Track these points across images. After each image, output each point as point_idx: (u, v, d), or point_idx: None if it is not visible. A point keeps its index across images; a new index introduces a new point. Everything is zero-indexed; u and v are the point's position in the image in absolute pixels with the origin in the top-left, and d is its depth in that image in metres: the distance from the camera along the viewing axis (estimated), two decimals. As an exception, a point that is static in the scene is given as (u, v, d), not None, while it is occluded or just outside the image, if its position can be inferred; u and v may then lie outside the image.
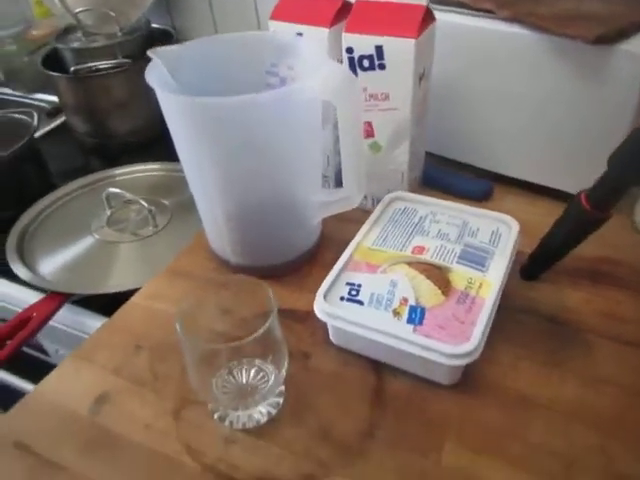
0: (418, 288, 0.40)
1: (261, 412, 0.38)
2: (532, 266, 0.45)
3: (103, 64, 0.78)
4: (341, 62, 0.47)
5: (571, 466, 0.34)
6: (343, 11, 0.47)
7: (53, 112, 0.95)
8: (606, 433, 0.35)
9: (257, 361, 0.39)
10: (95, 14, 0.80)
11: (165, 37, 0.87)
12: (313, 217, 0.48)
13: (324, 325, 0.42)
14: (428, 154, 0.57)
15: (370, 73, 0.46)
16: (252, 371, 0.39)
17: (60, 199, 0.72)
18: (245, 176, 0.43)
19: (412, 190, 0.52)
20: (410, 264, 0.42)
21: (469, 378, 0.39)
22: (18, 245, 0.64)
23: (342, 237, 0.46)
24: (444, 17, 0.48)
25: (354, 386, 0.40)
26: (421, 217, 0.46)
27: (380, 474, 0.34)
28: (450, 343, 0.35)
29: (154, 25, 0.88)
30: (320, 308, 0.39)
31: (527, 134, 0.52)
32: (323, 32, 0.46)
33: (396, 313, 0.38)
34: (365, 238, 0.45)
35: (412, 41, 0.43)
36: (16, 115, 0.77)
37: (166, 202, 0.70)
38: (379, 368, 0.40)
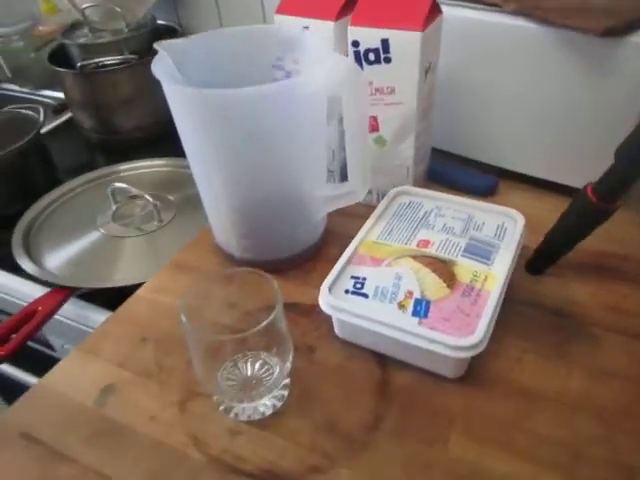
0: (423, 281, 0.39)
1: (266, 404, 0.38)
2: (537, 260, 0.45)
3: (109, 60, 0.79)
4: (347, 56, 0.46)
5: (577, 457, 0.34)
6: (349, 4, 0.47)
7: (59, 108, 0.96)
8: (612, 425, 0.35)
9: (262, 354, 0.39)
10: (101, 10, 0.80)
11: (171, 33, 0.87)
12: (318, 211, 0.48)
13: (329, 319, 0.42)
14: (433, 149, 0.57)
15: (376, 67, 0.46)
16: (257, 364, 0.39)
17: (66, 194, 0.72)
18: (250, 170, 0.43)
19: (417, 185, 0.52)
20: (415, 258, 0.42)
21: (474, 371, 0.39)
22: (24, 239, 0.65)
23: (346, 232, 0.46)
24: (451, 10, 0.48)
25: (359, 379, 0.40)
26: (426, 211, 0.46)
27: (386, 466, 0.34)
28: (455, 335, 0.35)
29: (160, 21, 0.89)
30: (325, 301, 0.39)
31: (533, 128, 0.52)
32: (329, 26, 0.46)
33: (401, 306, 0.38)
34: (370, 232, 0.45)
35: (418, 34, 0.43)
36: (23, 111, 0.77)
37: (171, 197, 0.70)
38: (384, 361, 0.40)
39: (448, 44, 0.48)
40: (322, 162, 0.47)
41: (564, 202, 0.43)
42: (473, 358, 0.37)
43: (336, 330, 0.42)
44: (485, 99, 0.53)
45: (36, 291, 0.59)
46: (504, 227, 0.44)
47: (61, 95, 0.94)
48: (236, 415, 0.38)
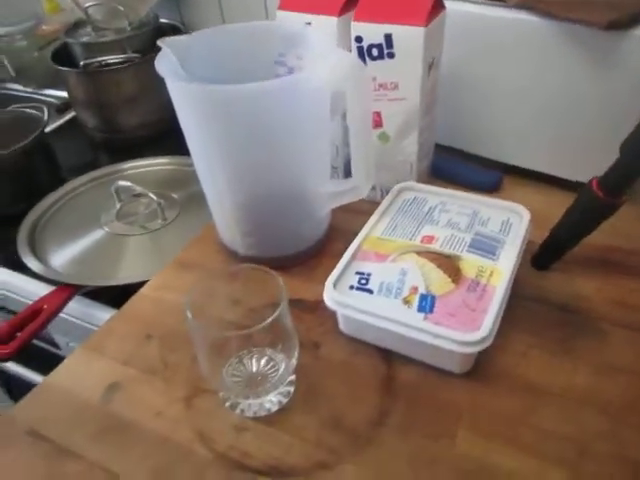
0: (428, 276, 0.39)
1: (272, 401, 0.38)
2: (543, 255, 0.45)
3: (112, 58, 0.79)
4: (350, 52, 0.46)
5: (583, 453, 0.34)
6: (352, 0, 0.46)
7: (62, 108, 0.96)
8: (618, 420, 0.35)
9: (268, 350, 0.39)
10: (104, 9, 0.80)
11: (173, 32, 0.87)
12: (322, 208, 0.48)
13: (333, 315, 0.42)
14: (436, 145, 0.57)
15: (379, 62, 0.46)
16: (262, 360, 0.39)
17: (70, 192, 0.73)
18: (254, 166, 0.43)
19: (421, 181, 0.51)
20: (419, 253, 0.42)
21: (480, 366, 0.39)
22: (29, 238, 0.65)
23: (350, 228, 0.46)
24: (453, 5, 0.48)
25: (364, 375, 0.40)
26: (430, 207, 0.46)
27: (391, 461, 0.34)
28: (461, 330, 0.35)
29: (162, 20, 0.89)
30: (330, 297, 0.39)
31: (537, 123, 0.52)
32: (332, 21, 0.46)
33: (406, 301, 0.38)
34: (374, 228, 0.45)
35: (422, 29, 0.42)
36: (27, 110, 0.78)
37: (175, 196, 0.70)
38: (389, 357, 0.40)
39: (450, 39, 0.48)
40: (326, 158, 0.47)
41: (569, 197, 0.43)
42: (479, 353, 0.37)
43: (341, 326, 0.42)
44: (488, 94, 0.53)
45: (41, 289, 0.59)
46: (509, 222, 0.44)
47: (64, 94, 0.95)
48: (242, 411, 0.38)
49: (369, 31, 0.44)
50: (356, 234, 0.44)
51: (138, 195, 0.68)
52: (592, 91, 0.47)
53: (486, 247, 0.41)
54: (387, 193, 0.48)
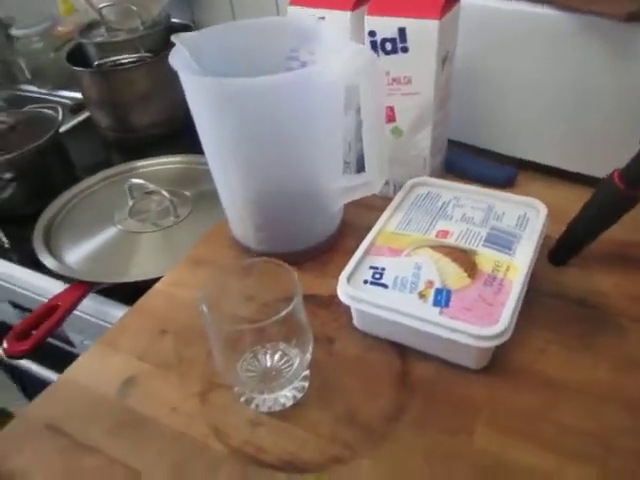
0: (444, 271, 0.39)
1: (286, 396, 0.38)
2: (560, 250, 0.44)
3: (125, 58, 0.79)
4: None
5: (607, 448, 0.33)
6: (365, -6, 0.46)
7: (76, 108, 0.97)
8: (641, 415, 0.35)
9: (282, 345, 0.39)
10: (118, 9, 0.81)
11: (185, 31, 0.87)
12: (334, 203, 0.48)
13: (347, 310, 0.42)
14: (449, 141, 0.56)
15: (392, 57, 0.45)
16: (276, 355, 0.39)
17: (84, 191, 0.73)
18: (266, 161, 0.43)
19: (434, 176, 0.51)
20: (434, 248, 0.41)
21: (497, 362, 0.38)
22: (45, 236, 0.66)
23: (363, 224, 0.45)
24: (468, -2, 0.48)
25: (379, 370, 0.39)
26: (444, 202, 0.46)
27: (407, 456, 0.34)
28: (478, 325, 0.35)
29: (174, 19, 0.89)
30: (344, 291, 0.39)
31: (552, 117, 0.51)
32: (345, 16, 0.46)
33: (421, 296, 0.38)
34: (388, 223, 0.44)
35: (436, 22, 0.42)
36: (42, 110, 0.78)
37: (187, 193, 0.71)
38: (404, 353, 0.40)
39: (465, 32, 0.47)
40: (338, 153, 0.47)
41: (584, 192, 0.42)
42: (496, 349, 0.37)
43: (355, 321, 0.42)
44: (503, 88, 0.52)
45: (56, 287, 0.59)
46: (526, 217, 0.43)
47: (78, 95, 0.96)
48: (257, 406, 0.38)
49: (383, 25, 0.44)
50: (369, 229, 0.44)
51: (150, 193, 0.69)
52: (610, 84, 0.46)
53: (502, 242, 0.41)
54: (400, 188, 0.48)
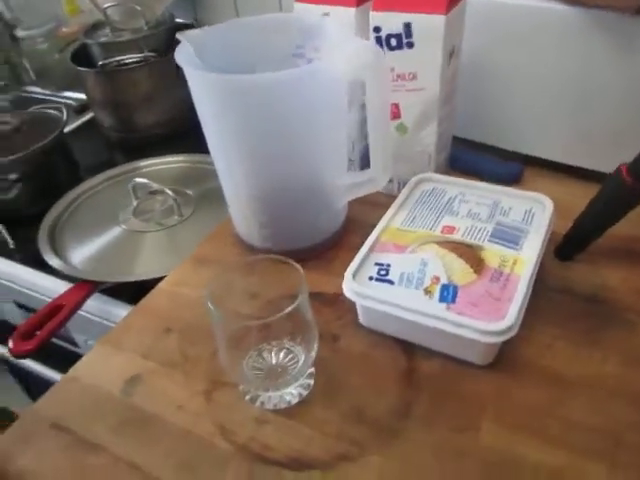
0: (450, 267, 0.39)
1: (292, 393, 0.38)
2: (567, 246, 0.44)
3: (129, 58, 0.80)
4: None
5: (616, 444, 0.33)
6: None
7: (80, 109, 0.97)
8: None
9: (287, 343, 0.39)
10: (122, 9, 0.81)
11: (189, 31, 0.88)
12: (339, 200, 0.48)
13: (352, 308, 0.42)
14: (454, 138, 0.56)
15: (398, 52, 0.45)
16: (282, 353, 0.39)
17: (88, 191, 0.73)
18: (271, 157, 0.43)
19: (439, 173, 0.51)
20: (440, 244, 0.41)
21: (504, 358, 0.38)
22: (50, 236, 0.66)
23: (367, 221, 0.45)
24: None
25: (385, 367, 0.39)
26: (450, 198, 0.46)
27: (417, 453, 0.34)
28: (485, 320, 0.34)
29: (178, 19, 0.89)
30: (349, 288, 0.39)
31: (558, 112, 0.51)
32: (350, 12, 0.46)
33: (427, 292, 0.37)
34: (393, 219, 0.44)
35: (442, 17, 0.42)
36: (47, 110, 0.79)
37: (191, 192, 0.71)
38: (410, 350, 0.40)
39: (471, 27, 0.47)
40: (343, 149, 0.47)
41: (591, 188, 0.42)
42: (503, 344, 0.36)
43: (360, 318, 0.42)
44: (509, 83, 0.52)
45: (61, 287, 0.59)
46: (532, 212, 0.43)
47: (82, 96, 0.96)
48: (262, 404, 0.38)
49: (388, 21, 0.44)
50: (373, 227, 0.43)
51: (154, 192, 0.69)
52: (616, 78, 0.46)
53: (509, 237, 0.41)
54: (404, 186, 0.48)
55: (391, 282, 0.39)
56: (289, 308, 0.33)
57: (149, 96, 0.81)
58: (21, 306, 0.71)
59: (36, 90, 1.07)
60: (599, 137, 0.50)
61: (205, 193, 0.70)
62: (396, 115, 0.49)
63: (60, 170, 0.77)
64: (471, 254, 0.40)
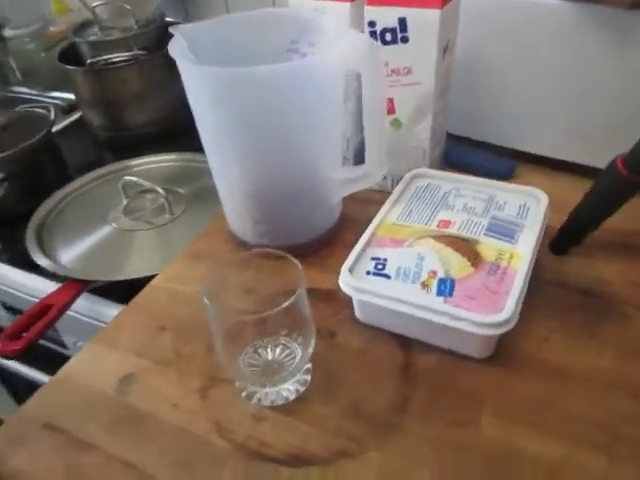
0: (446, 260, 0.39)
1: (289, 389, 0.37)
2: (562, 239, 0.44)
3: (118, 57, 0.79)
4: (363, 35, 0.46)
5: (614, 436, 0.33)
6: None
7: (68, 109, 0.96)
8: (648, 402, 0.34)
9: (283, 339, 0.38)
10: (111, 8, 0.81)
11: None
12: (334, 195, 0.48)
13: (349, 303, 0.41)
14: (448, 135, 0.56)
15: (392, 47, 0.45)
16: (278, 349, 0.38)
17: (77, 190, 0.72)
18: (266, 151, 0.42)
19: (434, 168, 0.51)
20: (436, 238, 0.41)
21: (501, 352, 0.38)
22: (37, 236, 0.64)
23: (362, 217, 0.45)
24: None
25: (382, 362, 0.39)
26: (445, 192, 0.46)
27: (416, 447, 0.33)
28: (482, 313, 0.34)
29: (168, 18, 0.89)
30: (346, 282, 0.38)
31: (553, 107, 0.51)
32: (344, 6, 0.46)
33: (425, 285, 0.37)
34: (388, 215, 0.44)
35: (437, 12, 0.42)
36: (34, 109, 0.78)
37: (182, 191, 0.70)
38: (407, 344, 0.40)
39: (466, 21, 0.47)
40: (338, 144, 0.47)
41: (586, 183, 0.42)
42: (500, 338, 0.36)
43: (357, 313, 0.41)
44: (503, 77, 0.52)
45: (49, 288, 0.58)
46: (527, 206, 0.43)
47: (70, 96, 0.95)
48: (259, 400, 0.37)
49: (383, 15, 0.44)
50: (368, 223, 0.43)
51: (145, 191, 0.68)
52: (611, 72, 0.46)
53: (504, 231, 0.41)
54: (398, 182, 0.48)
55: (388, 276, 0.38)
56: (287, 303, 0.33)
57: (139, 95, 0.80)
58: (8, 308, 0.70)
59: (23, 90, 1.05)
60: (592, 132, 0.50)
61: (197, 191, 0.70)
62: (391, 110, 0.49)
63: (48, 169, 0.76)
64: (467, 248, 0.39)
